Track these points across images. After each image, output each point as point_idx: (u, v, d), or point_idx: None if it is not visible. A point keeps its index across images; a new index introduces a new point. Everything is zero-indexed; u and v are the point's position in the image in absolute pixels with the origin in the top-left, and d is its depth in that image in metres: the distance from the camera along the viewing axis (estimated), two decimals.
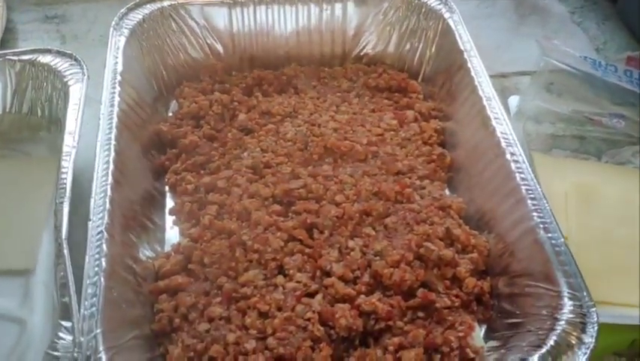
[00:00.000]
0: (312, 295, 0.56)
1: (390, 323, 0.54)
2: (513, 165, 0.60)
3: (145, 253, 0.59)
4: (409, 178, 0.68)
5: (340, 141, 0.71)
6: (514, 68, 0.84)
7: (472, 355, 0.53)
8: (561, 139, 0.75)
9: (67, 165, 0.57)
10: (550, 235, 0.54)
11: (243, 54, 0.82)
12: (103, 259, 0.51)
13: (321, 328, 0.53)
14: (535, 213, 0.56)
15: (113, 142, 0.60)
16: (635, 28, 0.92)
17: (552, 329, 0.48)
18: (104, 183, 0.56)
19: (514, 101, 0.77)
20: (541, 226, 0.55)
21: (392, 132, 0.74)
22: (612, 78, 0.82)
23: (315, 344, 0.52)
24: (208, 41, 0.80)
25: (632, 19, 0.90)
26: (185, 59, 0.79)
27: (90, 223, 0.53)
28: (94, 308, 0.48)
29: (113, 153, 0.59)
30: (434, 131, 0.73)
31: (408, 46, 0.81)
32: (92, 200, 0.55)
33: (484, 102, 0.66)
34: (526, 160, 0.60)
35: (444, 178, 0.70)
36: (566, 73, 0.78)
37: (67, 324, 0.47)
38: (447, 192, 0.69)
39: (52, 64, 0.68)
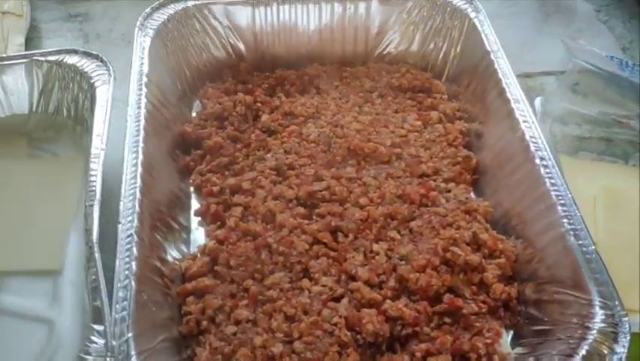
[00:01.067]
0: (337, 299, 0.56)
1: (417, 328, 0.54)
2: (542, 170, 0.59)
3: (172, 254, 0.60)
4: (434, 181, 0.68)
5: (364, 142, 0.70)
6: (539, 68, 0.83)
7: None
8: (588, 141, 0.74)
9: (97, 168, 0.58)
10: (580, 241, 0.53)
11: (265, 53, 0.81)
12: (133, 263, 0.51)
13: (348, 333, 0.53)
14: (565, 220, 0.55)
15: (140, 144, 0.60)
16: None
17: (583, 338, 0.48)
18: (132, 186, 0.56)
19: (539, 102, 0.76)
20: (572, 232, 0.54)
21: (416, 133, 0.74)
22: (639, 78, 0.80)
23: (342, 349, 0.52)
24: (231, 41, 0.80)
25: None
26: (208, 59, 0.79)
27: (120, 226, 0.53)
28: (125, 312, 0.48)
29: (141, 156, 0.59)
30: (459, 133, 0.73)
31: (432, 45, 0.80)
32: (122, 203, 0.55)
33: (512, 105, 0.65)
34: (556, 165, 0.59)
35: (469, 181, 0.69)
36: (592, 73, 0.77)
37: (100, 328, 0.47)
38: (472, 195, 0.69)
39: (78, 65, 0.68)
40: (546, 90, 0.80)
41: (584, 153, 0.73)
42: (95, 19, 0.91)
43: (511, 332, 0.57)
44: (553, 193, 0.57)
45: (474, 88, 0.74)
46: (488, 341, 0.54)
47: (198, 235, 0.64)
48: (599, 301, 0.50)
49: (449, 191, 0.67)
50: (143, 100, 0.64)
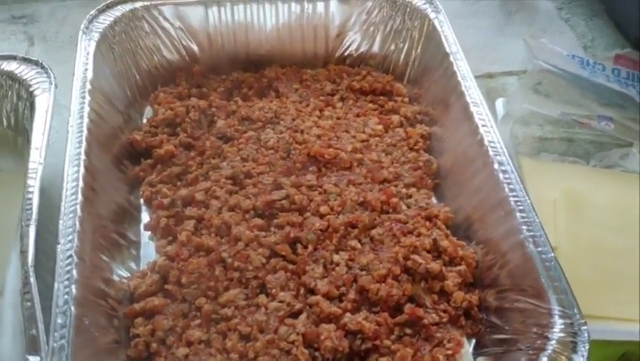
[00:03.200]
0: (296, 314, 0.54)
1: (378, 342, 0.52)
2: (501, 176, 0.58)
3: (119, 273, 0.56)
4: (395, 186, 0.66)
5: (324, 148, 0.68)
6: (501, 68, 0.82)
7: None
8: (549, 142, 0.74)
9: (34, 184, 0.54)
10: (539, 248, 0.52)
11: (221, 55, 0.78)
12: (73, 286, 0.48)
13: (306, 351, 0.51)
14: (524, 226, 0.54)
15: (82, 157, 0.56)
16: (623, 25, 0.90)
17: (543, 349, 0.47)
18: (73, 203, 0.53)
19: (501, 103, 0.75)
20: (531, 239, 0.53)
21: (377, 138, 0.72)
22: (600, 77, 0.80)
23: None
24: (184, 42, 0.77)
25: (620, 16, 0.88)
26: (159, 62, 0.76)
27: (59, 247, 0.50)
28: (64, 340, 0.45)
29: (82, 169, 0.55)
30: (420, 137, 0.71)
31: (393, 46, 0.78)
32: (61, 221, 0.52)
33: (472, 108, 0.63)
34: (514, 170, 0.58)
35: (430, 185, 0.68)
36: (553, 74, 0.76)
37: (36, 359, 0.44)
38: (434, 199, 0.67)
39: (17, 72, 0.64)
40: (508, 91, 0.79)
41: (545, 154, 0.72)
42: (41, 21, 0.87)
43: (473, 341, 0.56)
44: (511, 199, 0.56)
45: (434, 90, 0.73)
46: (449, 352, 0.52)
47: (149, 250, 0.61)
48: (558, 310, 0.48)
49: (410, 196, 0.66)
50: (87, 109, 0.61)
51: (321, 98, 0.77)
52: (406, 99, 0.76)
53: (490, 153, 0.60)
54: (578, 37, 0.89)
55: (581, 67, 0.81)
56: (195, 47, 0.77)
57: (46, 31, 0.86)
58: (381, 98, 0.77)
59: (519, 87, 0.78)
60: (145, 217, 0.64)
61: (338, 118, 0.74)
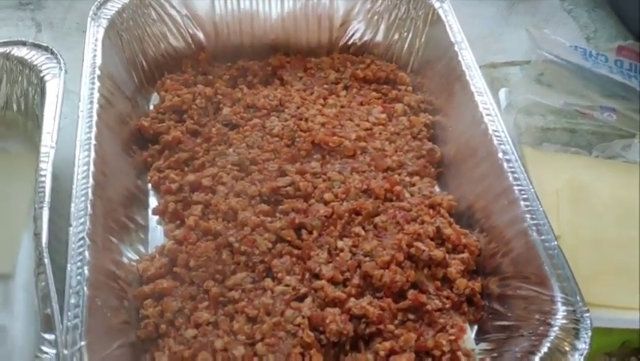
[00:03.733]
0: (301, 298, 0.55)
1: (381, 326, 0.54)
2: (505, 165, 0.59)
3: (128, 255, 0.57)
4: (399, 175, 0.67)
5: (328, 136, 0.69)
6: (504, 58, 0.83)
7: (463, 358, 0.53)
8: (552, 132, 0.74)
9: (46, 168, 0.55)
10: (543, 237, 0.53)
11: (226, 43, 0.79)
12: (85, 268, 0.49)
13: (311, 334, 0.52)
14: (528, 215, 0.55)
15: (92, 142, 0.57)
16: (625, 16, 0.91)
17: (545, 335, 0.48)
18: (84, 187, 0.54)
19: (504, 93, 0.76)
20: (534, 227, 0.54)
21: (381, 126, 0.72)
22: (603, 69, 0.81)
23: (305, 351, 0.51)
24: (190, 30, 0.77)
25: (623, 8, 0.89)
26: (166, 49, 0.76)
27: (71, 229, 0.51)
28: (77, 319, 0.46)
29: (93, 154, 0.56)
30: (424, 126, 0.72)
31: (397, 35, 0.79)
32: (73, 204, 0.52)
33: (476, 97, 0.64)
34: (518, 159, 0.59)
35: (434, 174, 0.69)
36: (556, 64, 0.77)
37: (51, 337, 0.45)
38: (437, 188, 0.68)
39: (27, 57, 0.65)
40: (511, 81, 0.80)
41: (547, 144, 0.73)
42: (48, 7, 0.87)
43: (476, 328, 0.57)
44: (515, 188, 0.57)
45: (438, 79, 0.73)
46: (452, 337, 0.54)
47: (157, 234, 0.62)
48: (561, 298, 0.50)
49: (414, 185, 0.67)
50: (96, 94, 0.61)
51: (325, 86, 0.77)
52: (410, 88, 0.77)
53: (495, 142, 0.61)
54: (581, 29, 0.90)
55: (583, 58, 0.81)
56: (201, 35, 0.78)
57: (53, 17, 0.86)
58: (385, 86, 0.77)
59: (522, 77, 0.78)
60: (153, 202, 0.65)
61: (342, 106, 0.75)
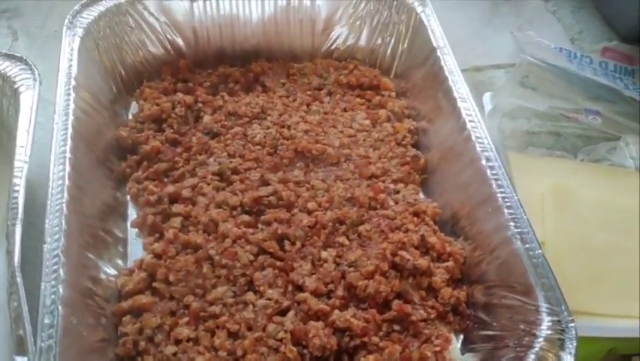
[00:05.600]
0: (284, 312, 0.54)
1: (366, 339, 0.53)
2: (489, 172, 0.58)
3: (106, 270, 0.56)
4: (383, 182, 0.66)
5: (312, 144, 0.68)
6: (489, 61, 0.82)
7: None
8: (537, 136, 0.74)
9: (19, 183, 0.53)
10: (527, 245, 0.52)
11: (207, 49, 0.77)
12: (60, 286, 0.48)
13: (294, 348, 0.51)
14: (512, 223, 0.54)
15: (68, 155, 0.56)
16: (610, 17, 0.90)
17: (530, 347, 0.47)
18: (59, 202, 0.52)
19: (488, 97, 0.75)
20: (518, 236, 0.53)
21: (365, 133, 0.71)
22: (587, 70, 0.80)
23: None
24: (169, 37, 0.75)
25: (607, 8, 0.88)
26: (145, 57, 0.75)
27: (45, 247, 0.50)
28: (52, 340, 0.45)
29: (68, 168, 0.55)
30: (407, 132, 0.71)
31: (380, 40, 0.78)
32: (47, 220, 0.51)
33: (459, 104, 0.63)
34: (502, 166, 0.58)
35: (418, 181, 0.68)
36: (540, 67, 0.76)
37: (23, 360, 0.44)
38: (421, 195, 0.67)
39: (0, 68, 0.63)
40: (495, 84, 0.79)
41: (533, 148, 0.72)
42: (25, 15, 0.85)
43: (462, 337, 0.56)
44: (499, 195, 0.56)
45: (422, 84, 0.72)
46: (437, 348, 0.53)
47: (137, 247, 0.61)
48: (546, 308, 0.49)
49: (398, 192, 0.66)
50: (72, 106, 0.60)
51: (308, 92, 0.76)
52: (393, 93, 0.76)
53: (478, 148, 0.60)
54: (566, 30, 0.89)
55: (568, 60, 0.81)
56: (181, 42, 0.76)
57: (31, 25, 0.85)
58: (369, 92, 0.76)
59: (506, 81, 0.78)
60: (132, 213, 0.63)
61: (325, 113, 0.74)
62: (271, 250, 0.58)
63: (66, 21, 0.68)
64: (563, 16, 0.92)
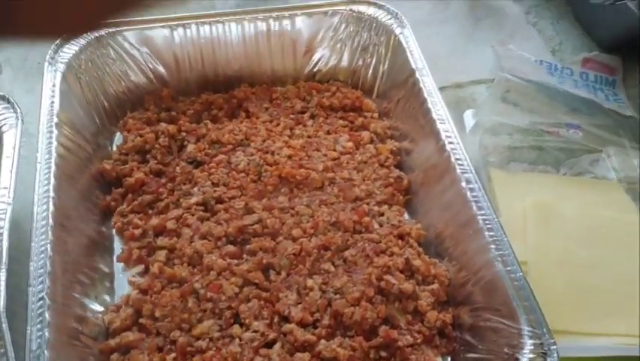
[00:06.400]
0: (270, 344, 0.54)
1: None
2: (469, 194, 0.58)
3: (93, 308, 0.56)
4: (367, 204, 0.67)
5: (295, 169, 0.68)
6: (470, 77, 0.82)
7: None
8: (519, 151, 0.74)
9: (3, 226, 0.54)
10: (508, 268, 0.53)
11: (189, 77, 0.78)
12: (46, 330, 0.48)
13: None
14: (493, 245, 0.55)
15: (51, 194, 0.56)
16: (589, 27, 0.91)
17: None
18: (43, 243, 0.53)
19: (470, 114, 0.75)
20: (500, 258, 0.54)
21: (348, 155, 0.72)
22: (568, 83, 0.81)
23: None
24: (150, 65, 0.76)
25: (586, 18, 0.89)
26: (127, 87, 0.75)
27: (30, 290, 0.50)
28: None
29: (51, 207, 0.55)
30: (390, 153, 0.71)
31: (361, 62, 0.78)
32: (31, 263, 0.51)
33: (438, 125, 0.64)
34: (482, 188, 0.59)
35: (402, 202, 0.68)
36: (520, 83, 0.77)
37: None
38: (406, 215, 0.68)
39: None
40: (477, 100, 0.79)
41: (515, 163, 0.73)
42: (9, 47, 0.86)
43: (449, 360, 0.57)
44: (479, 218, 0.57)
45: (403, 105, 0.73)
46: None
47: (124, 282, 0.61)
48: (528, 331, 0.49)
49: (382, 214, 0.66)
50: (54, 143, 0.60)
51: (292, 116, 0.76)
52: (376, 114, 0.76)
53: (458, 170, 0.60)
54: (546, 41, 0.90)
55: (548, 72, 0.82)
56: (163, 70, 0.76)
57: (13, 57, 0.85)
58: (352, 114, 0.77)
59: (487, 97, 0.78)
60: (118, 247, 0.64)
61: (309, 136, 0.74)
62: (256, 281, 0.58)
63: (47, 57, 0.68)
64: (543, 27, 0.92)
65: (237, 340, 0.54)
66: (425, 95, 0.66)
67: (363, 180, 0.69)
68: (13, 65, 0.84)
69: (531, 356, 0.48)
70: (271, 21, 0.77)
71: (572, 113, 0.76)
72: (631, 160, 0.70)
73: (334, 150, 0.72)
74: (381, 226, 0.65)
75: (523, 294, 0.51)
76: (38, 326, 0.48)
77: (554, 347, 0.48)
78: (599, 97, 0.79)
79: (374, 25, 0.75)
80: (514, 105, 0.77)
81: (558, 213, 0.64)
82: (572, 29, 0.92)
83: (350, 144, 0.73)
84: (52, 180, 0.57)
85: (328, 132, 0.75)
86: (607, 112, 0.75)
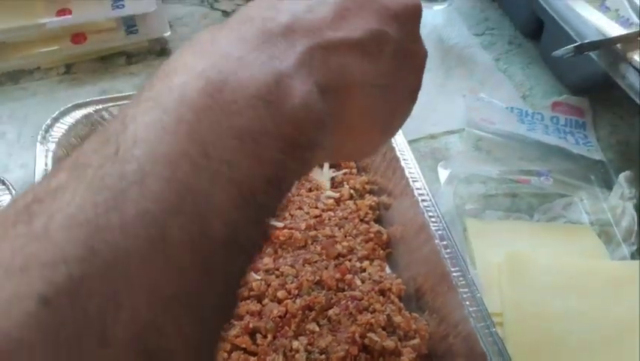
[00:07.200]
0: None
1: None
2: (443, 251, 0.61)
3: None
4: (349, 260, 0.69)
5: (279, 230, 0.71)
6: (443, 128, 0.86)
7: None
8: (494, 198, 0.77)
9: None
10: (481, 324, 0.56)
11: None
12: None
13: None
14: (467, 302, 0.57)
15: None
16: (558, 70, 0.95)
17: None
18: None
19: (444, 165, 0.79)
20: (474, 315, 0.56)
21: (330, 212, 0.75)
22: (539, 128, 0.84)
23: None
24: None
25: (555, 62, 0.93)
26: None
27: None
28: None
29: None
30: (369, 208, 0.74)
31: None
32: None
33: (411, 184, 0.67)
34: (456, 244, 0.61)
35: (383, 256, 0.71)
36: (488, 133, 0.80)
37: None
38: (388, 269, 0.70)
39: None
40: (451, 150, 0.83)
41: (490, 211, 0.75)
42: (2, 123, 0.90)
43: None
44: (453, 275, 0.59)
45: (380, 159, 0.76)
46: None
47: None
48: None
49: (364, 270, 0.69)
50: None
51: None
52: (355, 170, 0.80)
53: (432, 228, 0.63)
54: (516, 87, 0.93)
55: (519, 120, 0.85)
56: None
57: (8, 131, 0.89)
58: (332, 169, 0.80)
59: (461, 145, 0.81)
60: None
61: (292, 195, 0.77)
62: (244, 346, 0.61)
63: (39, 137, 0.72)
64: (513, 73, 0.96)
65: None
66: (397, 153, 0.70)
67: (345, 236, 0.72)
68: (8, 140, 0.88)
69: None
70: None
71: (542, 160, 0.79)
72: (601, 204, 0.73)
73: (316, 208, 0.75)
74: (363, 282, 0.67)
75: (496, 349, 0.54)
76: None
77: None
78: (569, 140, 0.82)
79: None
80: (487, 153, 0.81)
81: (530, 264, 0.66)
82: (542, 74, 0.95)
83: (331, 200, 0.76)
84: None
85: (310, 190, 0.78)
86: (576, 158, 0.79)
